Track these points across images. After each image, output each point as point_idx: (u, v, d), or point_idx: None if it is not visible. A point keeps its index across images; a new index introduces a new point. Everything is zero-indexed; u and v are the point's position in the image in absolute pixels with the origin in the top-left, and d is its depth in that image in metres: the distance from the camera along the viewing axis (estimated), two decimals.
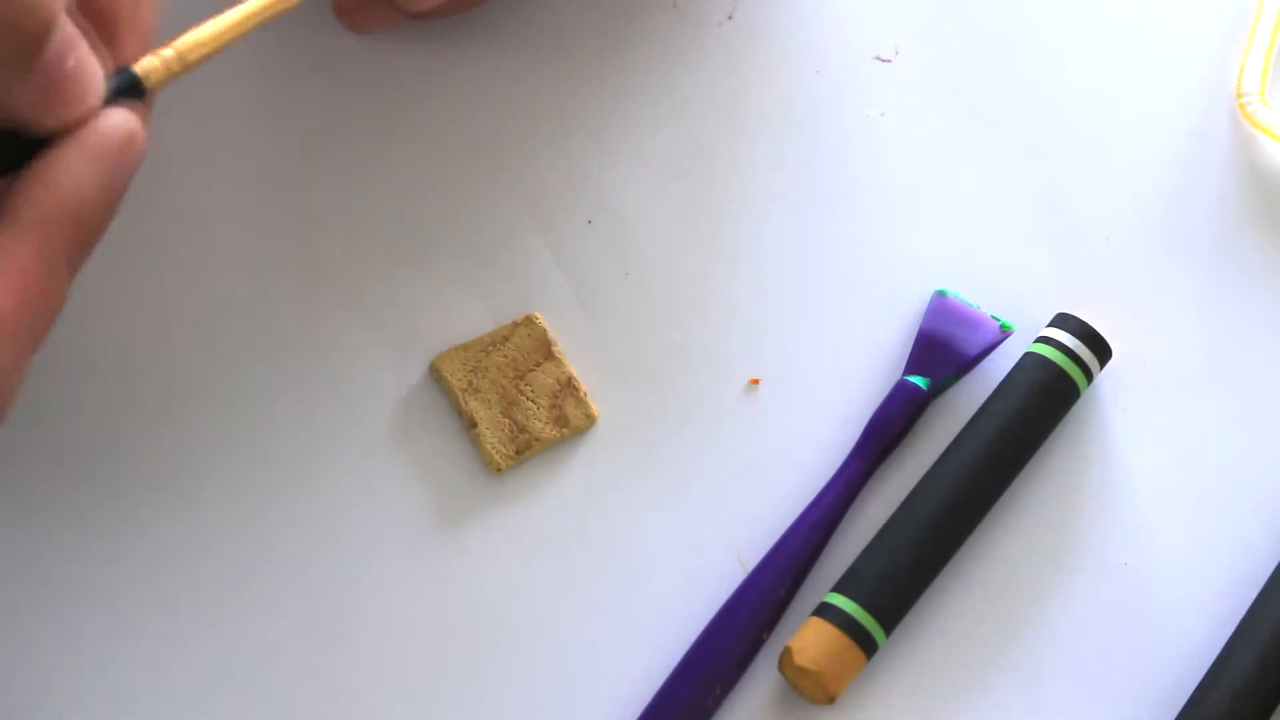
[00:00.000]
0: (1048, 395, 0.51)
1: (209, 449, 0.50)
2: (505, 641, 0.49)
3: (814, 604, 0.49)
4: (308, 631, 0.49)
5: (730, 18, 0.56)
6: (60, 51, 0.39)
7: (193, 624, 0.49)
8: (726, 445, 0.52)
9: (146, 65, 0.41)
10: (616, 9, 0.56)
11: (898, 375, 0.53)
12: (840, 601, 0.49)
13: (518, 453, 0.51)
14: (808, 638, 0.48)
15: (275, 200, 0.54)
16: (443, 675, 0.49)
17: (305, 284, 0.53)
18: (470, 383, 0.51)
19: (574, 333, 0.53)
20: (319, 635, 0.49)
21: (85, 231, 0.40)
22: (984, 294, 0.54)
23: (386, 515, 0.50)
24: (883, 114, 0.57)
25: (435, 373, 0.52)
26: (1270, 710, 0.48)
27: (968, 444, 0.51)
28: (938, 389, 0.52)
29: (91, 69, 0.40)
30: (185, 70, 0.42)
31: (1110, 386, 0.53)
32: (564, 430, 0.51)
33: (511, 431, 0.51)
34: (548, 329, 0.52)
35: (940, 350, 0.52)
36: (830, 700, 0.48)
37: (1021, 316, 0.53)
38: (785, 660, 0.48)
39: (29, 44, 0.38)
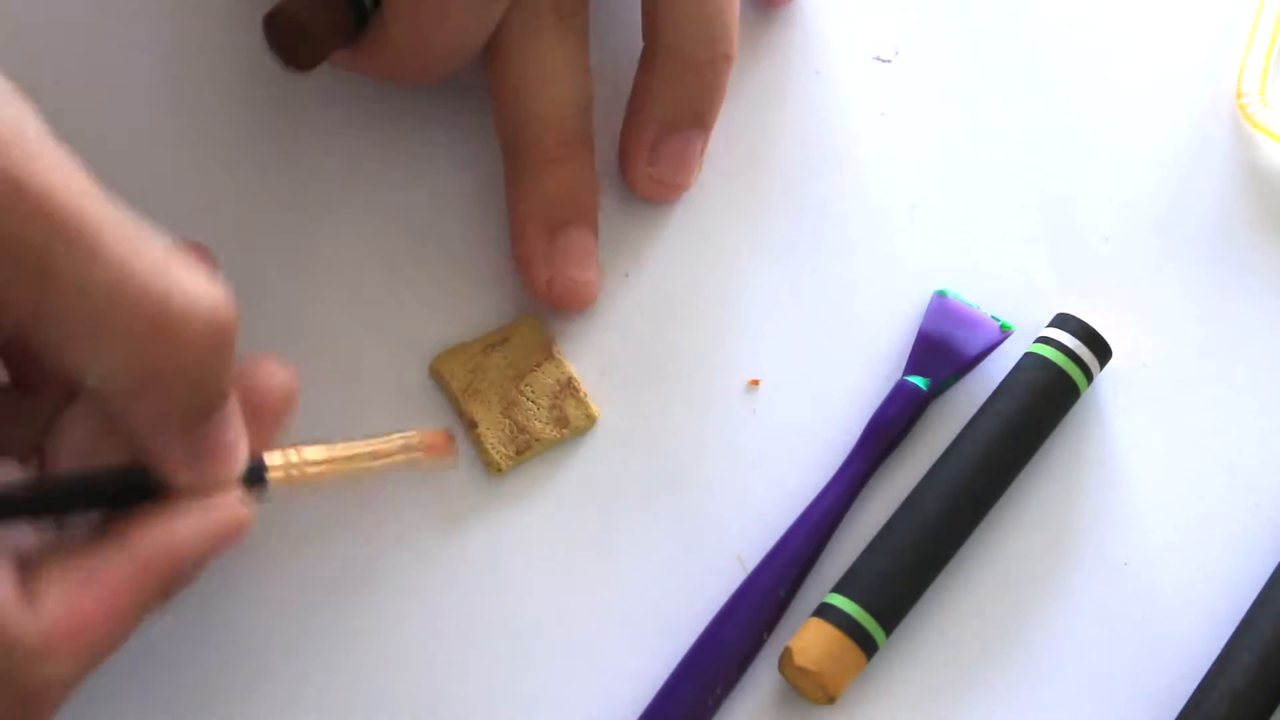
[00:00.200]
0: (1048, 395, 0.51)
1: None
2: (505, 642, 0.49)
3: (814, 604, 0.49)
4: (307, 633, 0.49)
5: None
6: (225, 423, 0.41)
7: (190, 625, 0.49)
8: (726, 445, 0.52)
9: (273, 464, 0.44)
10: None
11: (898, 375, 0.53)
12: (840, 602, 0.49)
13: (518, 453, 0.51)
14: (808, 638, 0.48)
15: (274, 201, 0.54)
16: (443, 676, 0.49)
17: (304, 285, 0.53)
18: (470, 383, 0.51)
19: (574, 333, 0.53)
20: (318, 636, 0.49)
21: (170, 586, 0.41)
22: (984, 294, 0.54)
23: (387, 516, 0.50)
24: (883, 114, 0.57)
25: (435, 373, 0.52)
26: (1270, 710, 0.48)
27: (968, 444, 0.51)
28: (938, 389, 0.52)
29: (240, 448, 0.42)
30: (299, 481, 0.45)
31: (1110, 386, 0.53)
32: (564, 431, 0.51)
33: (511, 432, 0.51)
34: (547, 329, 0.52)
35: (940, 350, 0.52)
36: (830, 700, 0.48)
37: (1021, 316, 0.53)
38: (785, 660, 0.48)
39: (207, 405, 0.41)
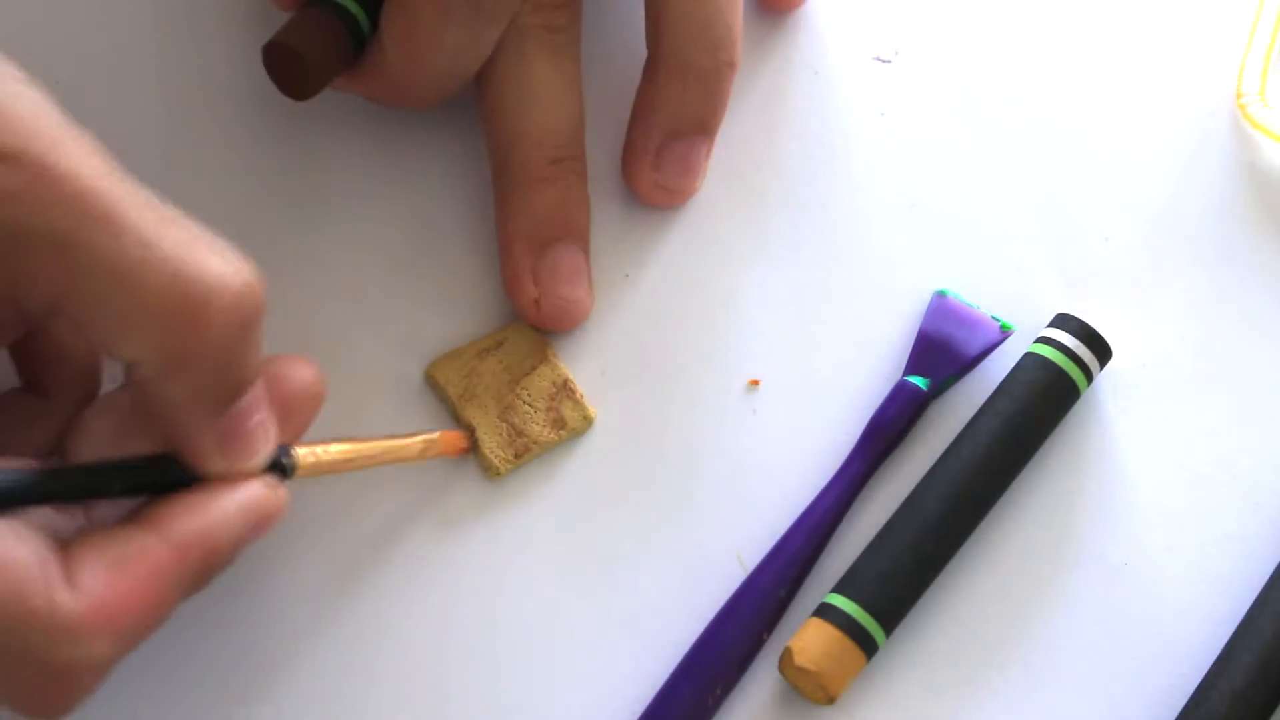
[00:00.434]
0: (1048, 396, 0.51)
1: None
2: (505, 643, 0.49)
3: (814, 604, 0.49)
4: (305, 635, 0.49)
5: None
6: (249, 408, 0.42)
7: (189, 628, 0.49)
8: (726, 445, 0.52)
9: (300, 453, 0.44)
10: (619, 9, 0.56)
11: (898, 375, 0.53)
12: (840, 602, 0.49)
13: (516, 456, 0.51)
14: (808, 638, 0.48)
15: (271, 206, 0.54)
16: (443, 678, 0.49)
17: (301, 289, 0.53)
18: (466, 389, 0.51)
19: (575, 334, 0.53)
20: (317, 639, 0.49)
21: (206, 571, 0.42)
22: (984, 294, 0.54)
23: (386, 521, 0.50)
24: (882, 114, 0.57)
25: (430, 379, 0.52)
26: (1270, 710, 0.48)
27: (968, 444, 0.51)
28: (938, 389, 0.52)
29: (268, 433, 0.43)
30: (322, 472, 0.45)
31: (1110, 387, 0.53)
32: (561, 433, 0.51)
33: (509, 436, 0.51)
34: (542, 333, 0.52)
35: (940, 350, 0.52)
36: (830, 701, 0.48)
37: (1021, 316, 0.53)
38: (785, 660, 0.48)
39: (232, 387, 0.41)
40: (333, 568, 0.50)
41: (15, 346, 0.45)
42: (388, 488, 0.50)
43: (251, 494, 0.42)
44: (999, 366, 0.53)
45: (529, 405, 0.51)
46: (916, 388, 0.52)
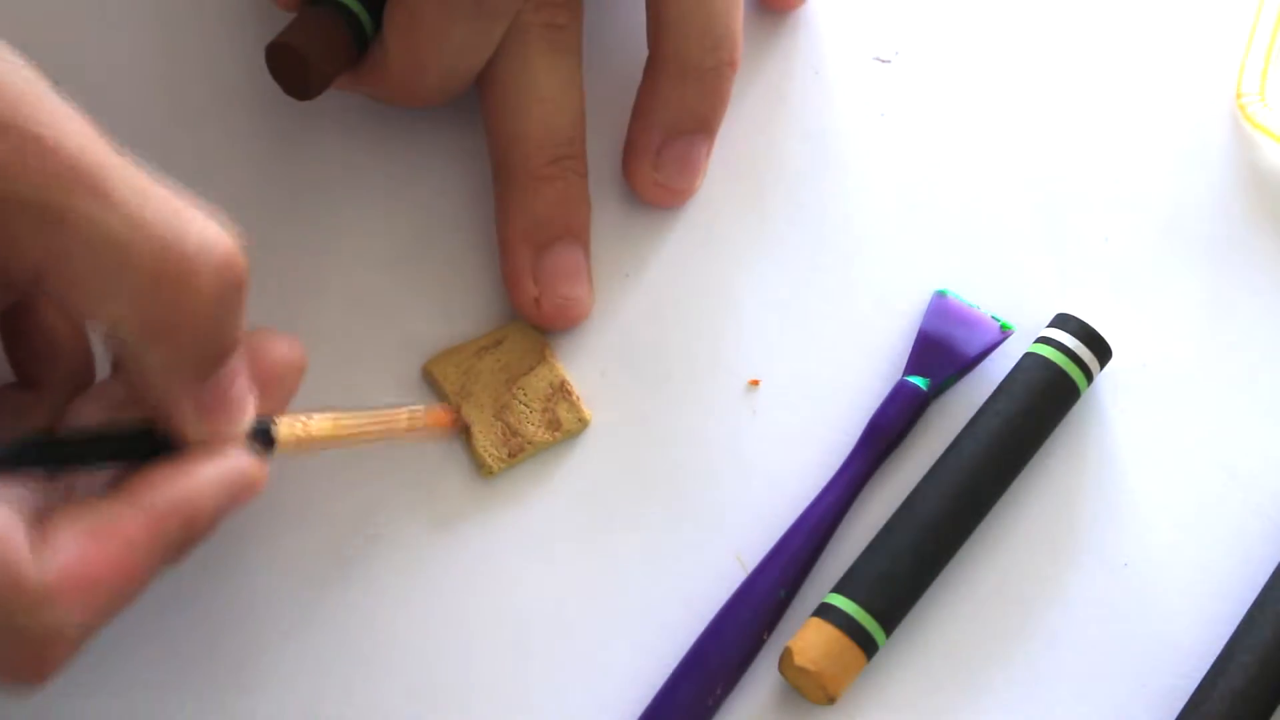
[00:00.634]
0: (1048, 396, 0.51)
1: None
2: (503, 644, 0.49)
3: (814, 604, 0.49)
4: (299, 636, 0.49)
5: None
6: (230, 377, 0.42)
7: (185, 628, 0.49)
8: (726, 445, 0.52)
9: (284, 426, 0.45)
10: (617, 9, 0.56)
11: (898, 375, 0.53)
12: (840, 602, 0.49)
13: (510, 456, 0.51)
14: (808, 638, 0.48)
15: (271, 202, 0.54)
16: (439, 679, 0.49)
17: (300, 286, 0.53)
18: (463, 386, 0.51)
19: (575, 334, 0.53)
20: (313, 640, 0.49)
21: (185, 537, 0.42)
22: (984, 294, 0.54)
23: (379, 518, 0.50)
24: (882, 114, 0.57)
25: (428, 376, 0.52)
26: (1270, 710, 0.48)
27: (968, 444, 0.51)
28: (938, 389, 0.52)
29: (248, 402, 0.43)
30: (304, 447, 0.45)
31: (1110, 387, 0.53)
32: (556, 434, 0.51)
33: (504, 435, 0.51)
34: (540, 333, 0.52)
35: (940, 350, 0.52)
36: (830, 701, 0.48)
37: (1021, 316, 0.53)
38: (785, 661, 0.48)
39: (215, 353, 0.41)
40: (325, 565, 0.50)
41: (6, 339, 0.45)
42: (380, 484, 0.50)
43: (231, 463, 0.42)
44: (999, 366, 0.53)
45: (525, 405, 0.51)
46: (916, 388, 0.52)
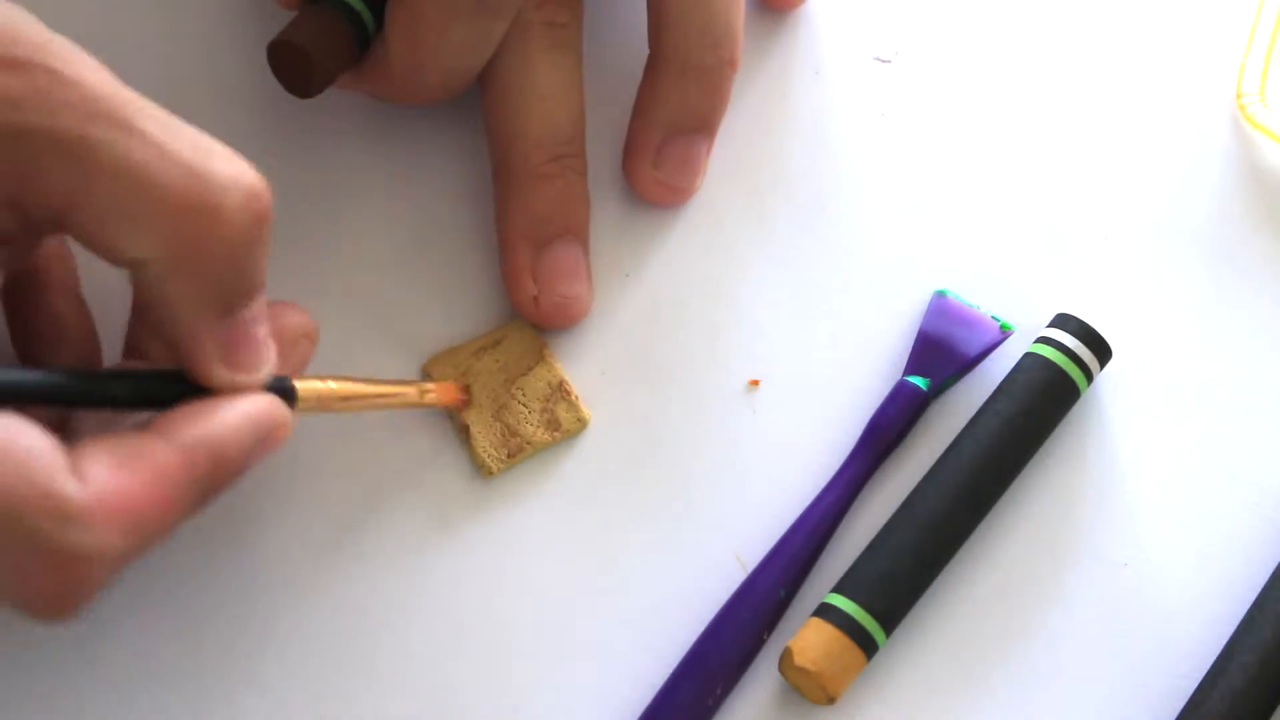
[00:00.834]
0: (1048, 396, 0.51)
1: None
2: (503, 644, 0.49)
3: (814, 604, 0.49)
4: (300, 637, 0.49)
5: None
6: (255, 318, 0.42)
7: (183, 630, 0.49)
8: (726, 445, 0.52)
9: (304, 387, 0.45)
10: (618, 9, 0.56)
11: (898, 375, 0.53)
12: (840, 602, 0.49)
13: (509, 456, 0.51)
14: (808, 638, 0.48)
15: (272, 200, 0.54)
16: (439, 679, 0.49)
17: (300, 286, 0.53)
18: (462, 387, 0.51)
19: (574, 333, 0.53)
20: (312, 641, 0.49)
21: (218, 475, 0.42)
22: (984, 294, 0.54)
23: (378, 519, 0.50)
24: (882, 114, 0.57)
25: (426, 376, 0.52)
26: (1270, 710, 0.48)
27: (968, 444, 0.51)
28: (938, 389, 0.52)
29: (271, 347, 0.43)
30: (323, 408, 0.46)
31: (1110, 386, 0.53)
32: (556, 434, 0.51)
33: (503, 435, 0.51)
34: (539, 333, 0.52)
35: (940, 350, 0.52)
36: (830, 701, 0.48)
37: (1021, 316, 0.53)
38: (785, 661, 0.48)
39: (239, 288, 0.41)
40: (324, 565, 0.50)
41: (11, 321, 0.45)
42: (380, 484, 0.50)
43: (258, 405, 0.42)
44: (999, 366, 0.53)
45: (524, 405, 0.51)
46: (916, 388, 0.52)
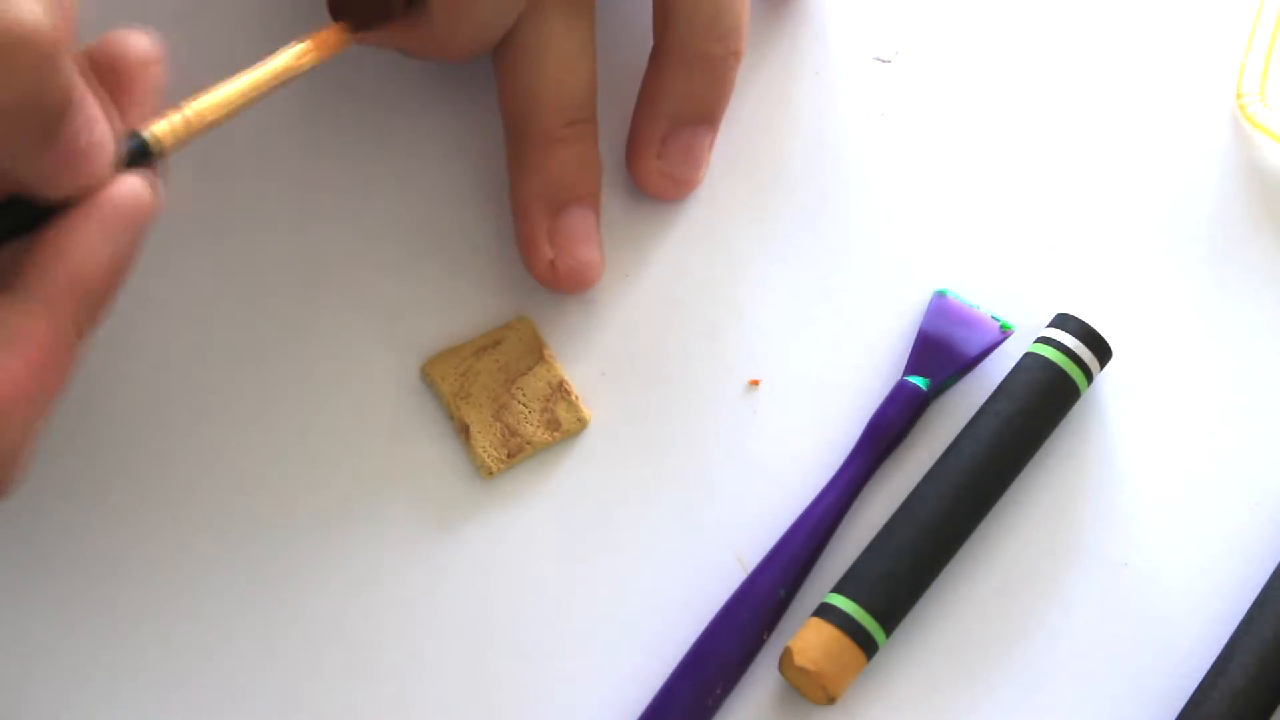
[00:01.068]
0: (1048, 396, 0.51)
1: (197, 455, 0.50)
2: (503, 644, 0.49)
3: (814, 604, 0.49)
4: (300, 637, 0.49)
5: None
6: (77, 128, 0.40)
7: (181, 630, 0.49)
8: (726, 445, 0.52)
9: (157, 130, 0.43)
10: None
11: (898, 375, 0.53)
12: (840, 602, 0.49)
13: (509, 456, 0.51)
14: (808, 638, 0.48)
15: (269, 201, 0.54)
16: (441, 680, 0.49)
17: (299, 285, 0.53)
18: (461, 387, 0.51)
19: (574, 333, 0.53)
20: (312, 641, 0.49)
21: (95, 299, 0.41)
22: (984, 294, 0.54)
23: (378, 520, 0.50)
24: (883, 114, 0.57)
25: (426, 376, 0.52)
26: (1270, 710, 0.48)
27: (968, 444, 0.51)
28: (938, 389, 0.52)
29: (105, 142, 0.41)
30: (195, 134, 0.43)
31: (1110, 386, 0.53)
32: (555, 434, 0.51)
33: (503, 435, 0.51)
34: (539, 332, 0.52)
35: (940, 350, 0.52)
36: (830, 701, 0.48)
37: (1021, 316, 0.53)
38: (785, 661, 0.48)
39: (50, 121, 0.39)
40: (323, 564, 0.50)
41: None
42: (380, 484, 0.50)
43: (110, 207, 0.41)
44: (999, 366, 0.53)
45: (524, 405, 0.51)
46: (916, 388, 0.52)
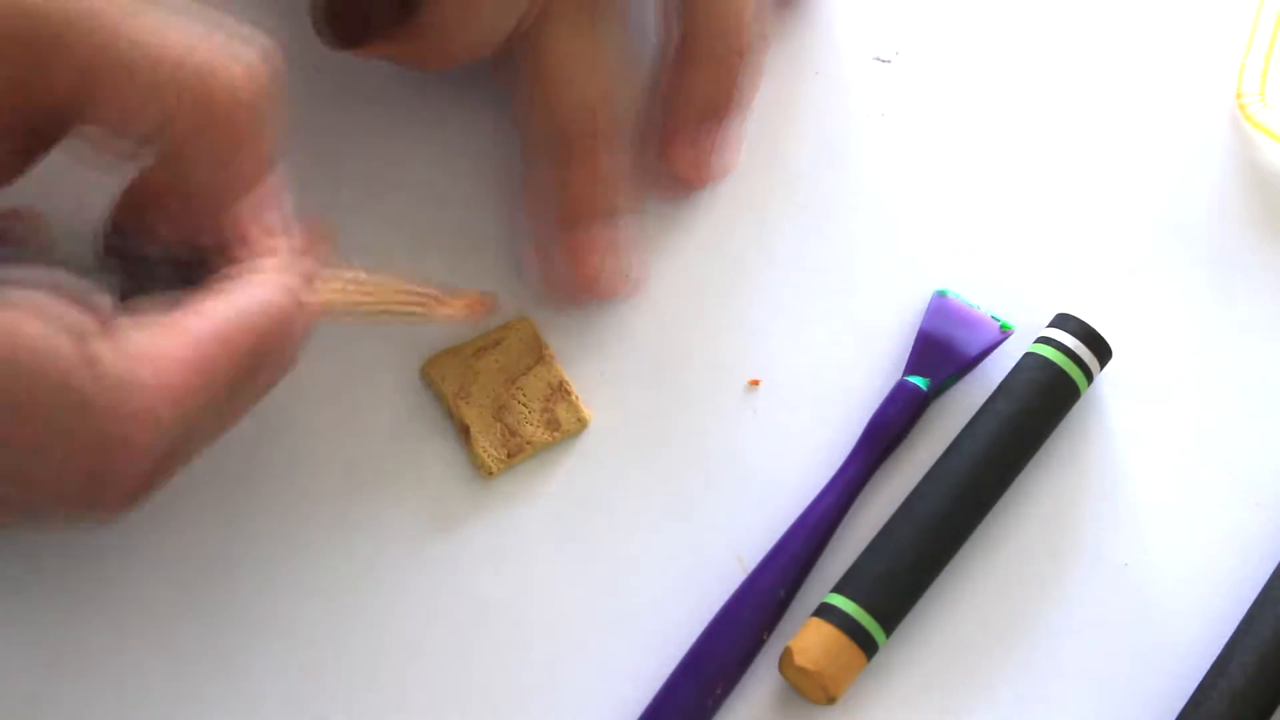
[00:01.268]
0: (1048, 396, 0.51)
1: (196, 459, 0.50)
2: (504, 644, 0.49)
3: (814, 604, 0.49)
4: (301, 639, 0.49)
5: None
6: (267, 201, 0.43)
7: (183, 631, 0.49)
8: (726, 445, 0.52)
9: (322, 280, 0.46)
10: None
11: (898, 375, 0.53)
12: (840, 602, 0.49)
13: (509, 456, 0.51)
14: (808, 638, 0.48)
15: None
16: (442, 680, 0.49)
17: None
18: (461, 387, 0.51)
19: (574, 333, 0.53)
20: (313, 642, 0.49)
21: (252, 356, 0.42)
22: (984, 294, 0.54)
23: (378, 519, 0.50)
24: (883, 114, 0.57)
25: (426, 376, 0.52)
26: (1270, 710, 0.48)
27: (968, 444, 0.51)
28: (938, 389, 0.52)
29: (280, 232, 0.44)
30: (340, 308, 0.47)
31: (1110, 386, 0.53)
32: (556, 434, 0.51)
33: (503, 435, 0.51)
34: (539, 332, 0.52)
35: (940, 350, 0.52)
36: (831, 701, 0.48)
37: (1021, 316, 0.53)
38: (785, 661, 0.48)
39: (250, 168, 0.43)
40: (323, 565, 0.50)
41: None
42: (380, 484, 0.50)
43: (283, 280, 0.43)
44: (999, 366, 0.53)
45: (524, 405, 0.51)
46: (916, 388, 0.52)
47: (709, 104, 0.53)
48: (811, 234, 0.55)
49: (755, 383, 0.53)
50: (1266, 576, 0.51)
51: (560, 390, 0.52)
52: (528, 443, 0.51)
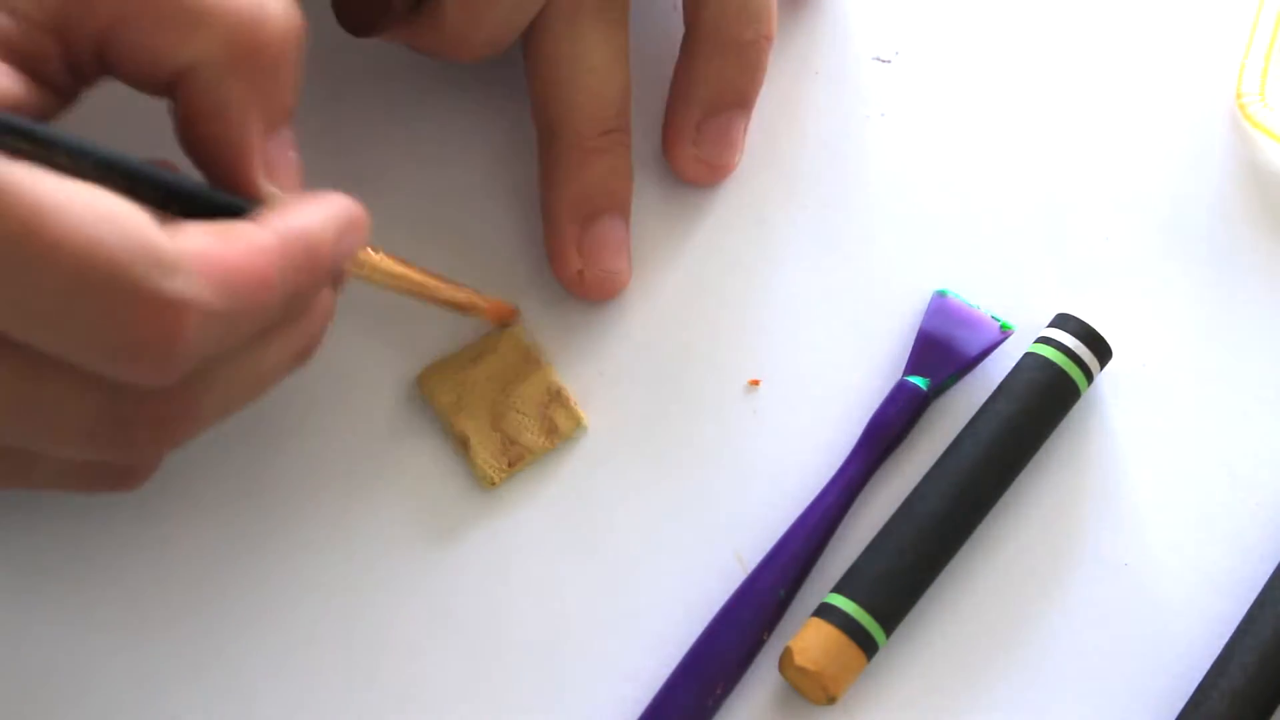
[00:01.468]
0: (1048, 396, 0.51)
1: (195, 467, 0.50)
2: (504, 645, 0.49)
3: (814, 604, 0.49)
4: (306, 648, 0.49)
5: None
6: (290, 141, 0.44)
7: (183, 642, 0.49)
8: (726, 445, 0.52)
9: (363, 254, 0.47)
10: None
11: (898, 375, 0.53)
12: (840, 602, 0.49)
13: (509, 465, 0.51)
14: (808, 638, 0.48)
15: None
16: (444, 684, 0.49)
17: None
18: (457, 399, 0.51)
19: (573, 334, 0.53)
20: (317, 653, 0.49)
21: (310, 272, 0.42)
22: (984, 294, 0.54)
23: (382, 534, 0.50)
24: (883, 114, 0.57)
25: (421, 389, 0.52)
26: (1270, 710, 0.48)
27: (968, 444, 0.51)
28: (938, 389, 0.52)
29: (298, 173, 0.44)
30: (370, 279, 0.47)
31: (1110, 386, 0.53)
32: (554, 439, 0.51)
33: (502, 445, 0.51)
34: (530, 337, 0.52)
35: (940, 350, 0.52)
36: (831, 701, 0.48)
37: (1021, 316, 0.53)
38: (785, 661, 0.48)
39: (281, 106, 0.43)
40: (329, 579, 0.50)
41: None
42: (380, 494, 0.50)
43: (336, 201, 0.43)
44: (999, 366, 0.53)
45: (521, 413, 0.51)
46: (916, 388, 0.52)
47: (710, 102, 0.53)
48: (811, 234, 0.55)
49: (755, 383, 0.53)
50: (1266, 576, 0.51)
51: (557, 396, 0.52)
52: (527, 450, 0.51)
